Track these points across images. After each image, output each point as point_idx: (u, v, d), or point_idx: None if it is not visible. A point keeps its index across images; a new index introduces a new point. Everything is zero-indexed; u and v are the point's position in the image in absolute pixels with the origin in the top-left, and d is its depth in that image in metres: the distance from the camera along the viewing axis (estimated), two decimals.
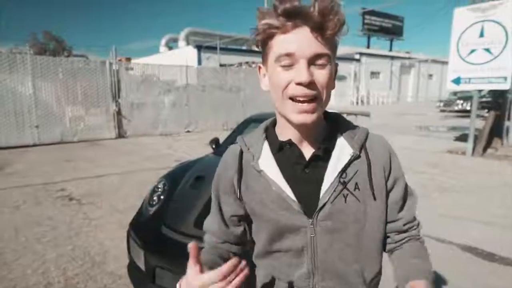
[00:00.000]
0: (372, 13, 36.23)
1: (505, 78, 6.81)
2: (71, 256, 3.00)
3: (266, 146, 0.82)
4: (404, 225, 0.83)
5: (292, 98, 0.69)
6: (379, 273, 0.82)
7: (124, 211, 4.12)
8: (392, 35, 39.50)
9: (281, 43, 0.67)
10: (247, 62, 18.56)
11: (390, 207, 0.81)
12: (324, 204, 0.75)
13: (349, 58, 30.49)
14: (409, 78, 37.47)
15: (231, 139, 3.62)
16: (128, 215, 3.81)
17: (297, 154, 0.77)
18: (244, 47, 27.15)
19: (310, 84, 0.67)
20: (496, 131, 7.96)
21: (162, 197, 2.55)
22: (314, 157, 0.76)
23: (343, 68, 29.51)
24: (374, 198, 0.76)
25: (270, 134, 0.83)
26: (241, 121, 4.00)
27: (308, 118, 0.70)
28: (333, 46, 0.70)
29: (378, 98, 32.31)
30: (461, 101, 18.66)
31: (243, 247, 0.93)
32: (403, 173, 0.83)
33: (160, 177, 2.90)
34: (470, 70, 7.28)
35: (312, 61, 0.67)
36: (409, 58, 37.05)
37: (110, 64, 10.80)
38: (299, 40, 0.66)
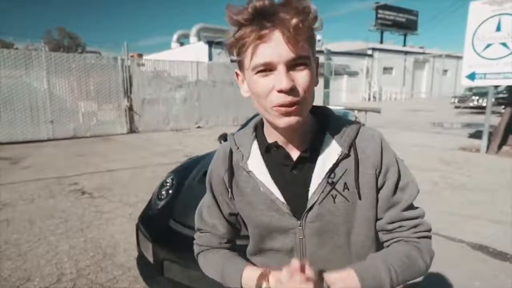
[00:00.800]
0: (386, 7, 35.63)
1: None
2: (83, 248, 3.08)
3: (255, 146, 0.80)
4: (388, 223, 0.76)
5: (274, 106, 0.66)
6: None
7: (135, 205, 4.19)
8: (406, 29, 38.78)
9: (256, 52, 0.63)
10: None
11: (380, 204, 0.76)
12: (312, 206, 0.73)
13: (361, 54, 30.10)
14: (423, 74, 36.76)
15: None
16: (138, 209, 3.88)
17: (284, 156, 0.76)
18: None
19: (292, 90, 0.64)
20: (511, 128, 7.75)
21: (170, 191, 2.59)
22: (300, 158, 0.75)
23: (355, 63, 29.13)
24: (359, 197, 0.74)
25: (259, 133, 0.81)
26: (250, 117, 4.01)
27: (293, 120, 0.67)
28: (310, 43, 0.66)
29: (391, 94, 31.83)
30: (477, 97, 18.22)
31: (234, 243, 0.93)
32: (397, 169, 0.76)
33: (169, 172, 2.94)
34: (486, 65, 7.09)
35: (290, 65, 0.64)
36: (423, 53, 36.29)
37: (122, 60, 10.93)
38: (274, 46, 0.62)
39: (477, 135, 9.21)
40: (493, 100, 8.05)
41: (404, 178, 0.77)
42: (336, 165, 0.74)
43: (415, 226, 0.77)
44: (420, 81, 36.46)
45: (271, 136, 0.77)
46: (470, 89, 19.27)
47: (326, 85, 11.23)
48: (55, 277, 2.60)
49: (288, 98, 0.64)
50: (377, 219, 0.78)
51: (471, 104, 18.53)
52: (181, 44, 32.36)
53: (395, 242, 0.77)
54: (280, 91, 0.64)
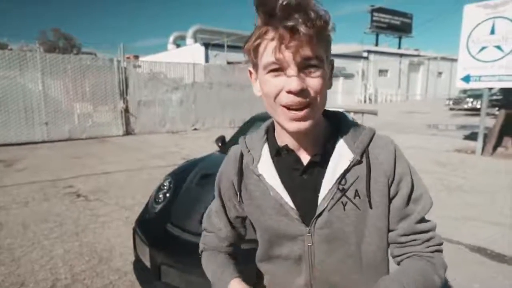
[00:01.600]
0: (381, 10, 35.88)
1: None
2: (78, 252, 3.03)
3: (266, 149, 0.79)
4: (401, 236, 0.74)
5: (284, 106, 0.66)
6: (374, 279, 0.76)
7: (131, 208, 4.15)
8: (401, 32, 39.06)
9: (268, 51, 0.63)
10: None
11: (392, 215, 0.74)
12: (322, 212, 0.71)
13: (357, 56, 30.25)
14: (417, 76, 37.03)
15: (237, 138, 3.61)
16: (134, 212, 3.84)
17: (295, 160, 0.74)
18: None
19: (302, 91, 0.63)
20: (506, 130, 7.81)
21: (168, 195, 2.56)
22: (311, 163, 0.73)
23: (351, 66, 29.27)
24: (371, 206, 0.71)
25: (270, 136, 0.80)
26: (247, 120, 3.99)
27: (302, 125, 0.66)
28: (324, 45, 0.65)
29: (386, 96, 32.01)
30: (471, 99, 18.40)
31: (239, 248, 0.93)
32: (411, 179, 0.74)
33: (166, 175, 2.91)
34: (480, 68, 7.15)
35: (302, 65, 0.63)
36: (418, 55, 36.59)
37: (118, 61, 10.88)
38: (287, 47, 0.61)
39: (472, 137, 9.28)
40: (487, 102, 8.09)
41: (417, 189, 0.75)
42: (347, 171, 0.72)
43: (428, 240, 0.75)
44: (415, 83, 36.72)
45: (282, 139, 0.76)
46: (465, 91, 19.46)
47: None
48: (49, 283, 2.56)
49: (297, 99, 0.64)
50: (389, 230, 0.75)
51: (465, 106, 18.70)
52: (178, 45, 32.31)
53: (408, 257, 0.75)
54: (289, 92, 0.63)
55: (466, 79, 7.42)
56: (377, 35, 37.00)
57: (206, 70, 13.31)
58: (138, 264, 2.29)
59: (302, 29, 0.60)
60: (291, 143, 0.74)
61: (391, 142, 0.77)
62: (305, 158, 0.75)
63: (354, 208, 0.71)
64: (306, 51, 0.62)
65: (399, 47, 39.05)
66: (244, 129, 3.69)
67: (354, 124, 0.78)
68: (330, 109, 0.81)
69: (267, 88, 0.67)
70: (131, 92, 11.21)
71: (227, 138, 3.74)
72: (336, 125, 0.77)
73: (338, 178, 0.72)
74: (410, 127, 12.38)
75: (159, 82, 11.89)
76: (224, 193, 0.86)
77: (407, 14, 39.44)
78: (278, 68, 0.64)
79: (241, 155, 0.82)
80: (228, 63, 17.74)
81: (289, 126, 0.67)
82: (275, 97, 0.66)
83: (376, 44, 36.57)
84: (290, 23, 0.60)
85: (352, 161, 0.72)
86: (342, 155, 0.73)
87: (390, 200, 0.74)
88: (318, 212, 0.72)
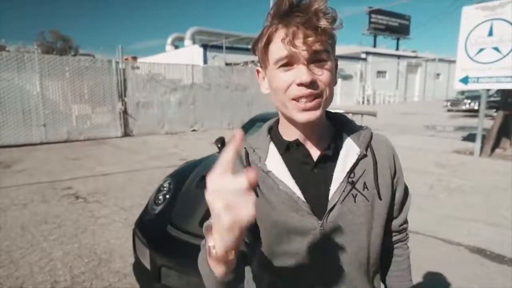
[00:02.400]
0: (379, 12, 35.99)
1: None
2: (78, 254, 3.02)
3: (272, 147, 0.80)
4: (400, 225, 0.87)
5: (294, 99, 0.68)
6: (378, 267, 0.84)
7: (130, 210, 4.14)
8: (399, 34, 39.23)
9: (279, 45, 0.67)
10: (252, 61, 18.55)
11: (396, 206, 0.84)
12: (334, 205, 0.73)
13: (355, 57, 30.33)
14: (415, 78, 37.18)
15: None
16: (133, 214, 3.83)
17: (304, 154, 0.76)
18: (250, 46, 27.02)
19: (312, 83, 0.66)
20: (504, 131, 7.84)
21: (167, 196, 2.55)
22: (322, 157, 0.75)
23: (349, 67, 29.35)
24: (380, 198, 0.76)
25: (274, 134, 0.82)
26: (246, 121, 3.99)
27: (312, 115, 0.69)
28: (331, 42, 0.69)
29: (384, 97, 32.10)
30: (469, 101, 18.50)
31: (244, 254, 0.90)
32: (402, 175, 0.85)
33: (166, 176, 2.90)
34: (479, 69, 7.19)
35: (311, 59, 0.66)
36: (415, 57, 36.74)
37: (117, 63, 10.86)
38: (297, 42, 0.65)
39: (470, 138, 9.31)
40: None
41: (406, 188, 0.87)
42: (355, 164, 0.76)
43: (407, 228, 0.92)
44: (413, 85, 36.85)
45: (289, 135, 0.78)
46: (462, 92, 19.54)
47: None
48: (48, 285, 2.54)
49: (308, 91, 0.67)
50: (390, 219, 0.84)
51: (463, 108, 18.80)
52: (176, 47, 32.32)
53: (396, 243, 0.90)
54: (300, 84, 0.66)
55: (465, 80, 7.45)
56: (375, 37, 37.16)
57: (204, 72, 13.31)
58: (138, 266, 2.28)
59: (313, 24, 0.64)
60: (300, 137, 0.76)
61: (388, 139, 0.85)
62: (314, 152, 0.77)
63: (363, 199, 0.75)
64: (317, 45, 0.65)
65: (397, 49, 39.22)
66: (245, 130, 3.69)
67: (354, 123, 0.85)
68: (331, 111, 0.84)
69: (277, 82, 0.69)
70: (130, 93, 11.19)
71: (227, 140, 3.74)
72: (338, 125, 0.82)
73: (348, 171, 0.75)
74: (409, 128, 12.41)
75: (157, 84, 11.87)
76: None
77: (404, 16, 39.63)
78: (289, 63, 0.67)
79: (247, 155, 0.81)
80: (227, 64, 17.76)
81: (300, 117, 0.69)
82: (286, 91, 0.68)
83: (374, 46, 36.72)
84: (301, 19, 0.64)
85: (359, 155, 0.77)
86: (350, 150, 0.77)
87: (393, 192, 0.81)
88: (330, 205, 0.73)
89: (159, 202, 2.53)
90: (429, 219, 3.73)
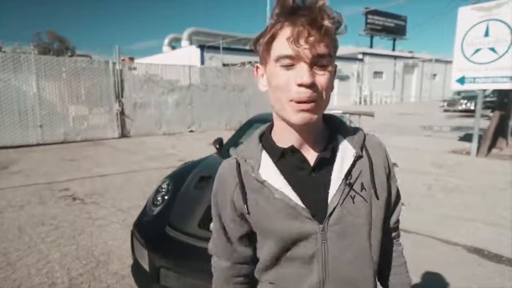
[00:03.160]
0: (375, 12, 36.14)
1: (511, 78, 6.75)
2: (75, 256, 3.00)
3: (264, 155, 0.77)
4: (395, 223, 0.88)
5: (292, 100, 0.67)
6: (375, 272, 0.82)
7: (128, 211, 4.12)
8: (395, 34, 39.40)
9: (283, 44, 0.66)
10: (250, 62, 18.56)
11: (392, 205, 0.85)
12: (334, 208, 0.73)
13: (352, 58, 30.43)
14: (412, 78, 37.35)
15: (234, 139, 3.61)
16: (131, 215, 3.82)
17: (300, 159, 0.75)
18: (247, 47, 27.17)
19: (312, 85, 0.65)
20: (501, 131, 7.90)
21: (166, 197, 2.54)
22: (320, 160, 0.74)
23: (346, 68, 29.45)
24: (377, 197, 0.77)
25: (267, 142, 0.79)
26: (245, 122, 3.99)
27: (308, 117, 0.68)
28: (334, 47, 0.69)
29: (381, 98, 32.22)
30: (465, 101, 18.60)
31: (253, 266, 0.87)
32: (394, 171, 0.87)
33: (164, 177, 2.89)
34: (475, 70, 7.23)
35: (314, 61, 0.66)
36: (412, 57, 36.91)
37: (114, 64, 10.82)
38: (301, 42, 0.64)
39: (466, 138, 9.36)
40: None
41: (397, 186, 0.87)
42: (352, 166, 0.76)
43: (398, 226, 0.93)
44: (409, 85, 37.02)
45: (283, 141, 0.76)
46: (459, 93, 19.65)
47: None
48: (46, 287, 2.52)
49: (307, 93, 0.66)
50: (386, 218, 0.84)
51: (459, 108, 18.90)
52: (173, 48, 32.28)
53: (395, 240, 0.91)
54: (300, 85, 0.65)
55: (461, 80, 7.50)
56: (371, 37, 37.29)
57: (202, 72, 13.29)
58: (136, 267, 2.27)
59: (318, 24, 0.64)
60: (295, 141, 0.74)
61: (379, 139, 0.86)
62: (310, 156, 0.75)
63: (362, 200, 0.75)
64: (320, 48, 0.65)
65: (394, 49, 39.38)
66: (243, 131, 3.69)
67: (346, 124, 0.85)
68: (325, 113, 0.81)
69: (277, 80, 0.68)
70: (127, 94, 11.15)
71: (225, 141, 3.73)
72: (333, 126, 0.81)
73: (346, 174, 0.75)
74: (405, 129, 12.46)
75: (154, 84, 11.84)
76: (223, 211, 0.83)
77: (401, 16, 39.80)
78: (291, 62, 0.66)
79: (238, 166, 0.79)
80: (224, 65, 17.75)
81: (295, 118, 0.68)
82: (284, 90, 0.67)
83: (371, 46, 36.84)
84: (307, 19, 0.64)
85: (355, 156, 0.77)
86: (345, 152, 0.77)
87: (389, 190, 0.82)
88: (330, 208, 0.73)
89: (158, 203, 2.53)
90: (427, 219, 3.74)
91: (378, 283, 0.86)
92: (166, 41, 33.56)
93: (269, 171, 0.76)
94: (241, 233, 0.83)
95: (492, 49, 6.94)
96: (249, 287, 0.90)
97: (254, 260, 0.87)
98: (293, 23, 0.65)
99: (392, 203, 0.85)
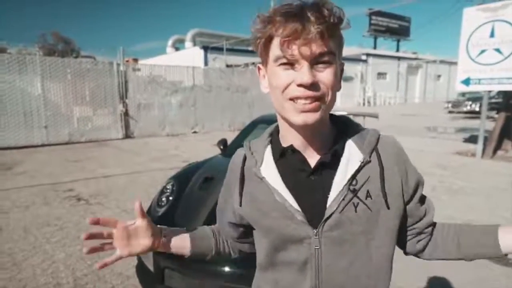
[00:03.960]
0: (379, 13, 36.10)
1: None
2: (80, 257, 3.00)
3: (268, 151, 0.77)
4: (425, 227, 0.82)
5: (292, 99, 0.65)
6: (385, 282, 0.76)
7: (132, 212, 4.11)
8: (399, 35, 39.31)
9: (282, 44, 0.63)
10: (253, 63, 18.58)
11: (415, 208, 0.78)
12: (332, 214, 0.69)
13: (355, 59, 30.37)
14: (416, 79, 37.20)
15: (238, 140, 3.61)
16: (135, 216, 3.82)
17: (300, 161, 0.73)
18: (250, 48, 27.03)
19: (313, 85, 0.63)
20: (506, 133, 7.83)
21: (170, 198, 2.55)
22: (320, 163, 0.71)
23: (350, 69, 29.39)
24: (388, 207, 0.71)
25: (274, 139, 0.79)
26: (249, 122, 3.99)
27: (310, 117, 0.65)
28: (337, 43, 0.66)
29: (385, 99, 32.12)
30: (470, 102, 18.48)
31: (238, 251, 0.93)
32: (420, 175, 0.79)
33: (169, 178, 2.89)
34: (480, 71, 7.18)
35: (314, 61, 0.63)
36: (416, 58, 36.78)
37: (118, 65, 10.88)
38: (301, 41, 0.61)
39: (471, 139, 9.30)
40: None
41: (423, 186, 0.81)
42: (358, 171, 0.71)
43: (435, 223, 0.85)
44: (413, 86, 36.87)
45: (287, 140, 0.74)
46: (463, 94, 19.53)
47: None
48: (51, 287, 2.53)
49: (307, 92, 0.63)
50: (413, 223, 0.80)
51: (464, 109, 18.78)
52: (177, 49, 32.40)
53: (434, 230, 0.84)
54: (300, 85, 0.63)
55: (466, 82, 7.45)
56: (375, 38, 37.22)
57: (205, 73, 13.33)
58: (141, 268, 2.27)
59: (314, 25, 0.60)
60: (298, 142, 0.72)
61: (397, 142, 0.79)
62: (311, 158, 0.73)
63: (365, 209, 0.70)
64: (318, 47, 0.62)
65: (397, 50, 39.26)
66: (247, 132, 3.69)
67: (359, 126, 0.79)
68: (335, 113, 0.80)
69: (276, 80, 0.66)
70: (131, 95, 11.20)
71: (229, 141, 3.73)
72: (341, 128, 0.77)
73: (349, 179, 0.70)
74: (409, 130, 12.40)
75: (158, 86, 11.89)
76: (226, 196, 0.87)
77: (405, 17, 39.71)
78: (290, 62, 0.64)
79: (244, 159, 0.81)
80: (227, 66, 17.79)
81: (296, 119, 0.66)
82: (284, 90, 0.65)
83: (375, 47, 36.77)
84: (302, 19, 0.61)
85: (362, 162, 0.71)
86: (352, 156, 0.72)
87: (404, 201, 0.75)
88: (327, 214, 0.70)
89: (162, 204, 2.53)
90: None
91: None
92: (170, 42, 33.71)
93: (269, 169, 0.76)
94: (234, 223, 0.85)
95: (498, 50, 6.89)
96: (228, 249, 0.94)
97: (243, 248, 0.92)
98: (290, 21, 0.62)
99: (416, 210, 0.78)
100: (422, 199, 0.80)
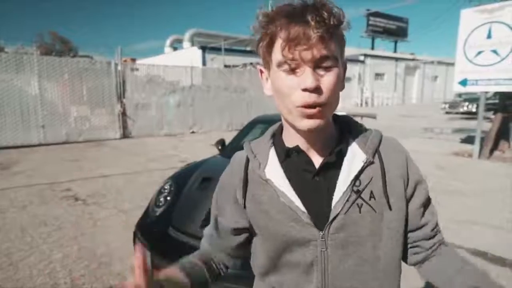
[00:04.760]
0: (377, 14, 36.20)
1: None
2: (77, 257, 3.00)
3: (272, 153, 0.77)
4: (432, 230, 0.77)
5: (298, 105, 0.64)
6: (395, 285, 0.76)
7: (130, 212, 4.11)
8: (397, 36, 39.43)
9: (284, 48, 0.62)
10: (251, 63, 18.57)
11: (414, 214, 0.75)
12: (337, 215, 0.69)
13: (353, 60, 30.44)
14: (413, 80, 37.32)
15: (237, 141, 3.61)
16: (133, 216, 3.81)
17: (306, 161, 0.72)
18: (248, 48, 27.17)
19: (316, 89, 0.62)
20: (503, 134, 7.87)
21: (168, 198, 2.54)
22: (325, 164, 0.71)
23: (348, 69, 29.07)
24: (390, 208, 0.70)
25: (277, 140, 0.78)
26: (247, 123, 3.99)
27: (316, 123, 0.65)
28: (338, 44, 0.65)
29: (383, 99, 32.21)
30: (467, 103, 18.56)
31: (236, 259, 0.88)
32: (422, 177, 0.77)
33: (167, 178, 2.89)
34: (477, 72, 7.22)
35: (317, 64, 0.62)
36: (413, 59, 36.91)
37: (116, 64, 10.85)
38: (302, 44, 0.61)
39: (468, 140, 9.34)
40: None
41: (427, 193, 0.78)
42: (361, 172, 0.71)
43: (441, 243, 0.79)
44: (411, 87, 36.98)
45: (291, 141, 0.74)
46: (460, 95, 19.63)
47: None
48: (48, 287, 2.52)
49: (312, 98, 0.63)
50: (412, 229, 0.77)
51: (461, 110, 18.87)
52: (175, 49, 32.35)
53: (436, 248, 0.78)
54: (304, 90, 0.63)
55: (463, 83, 7.48)
56: (373, 39, 37.31)
57: (203, 73, 13.31)
58: None
59: (315, 29, 0.60)
60: (302, 143, 0.72)
61: (399, 143, 0.78)
62: (316, 159, 0.72)
63: (369, 210, 0.70)
64: (319, 51, 0.61)
65: (395, 51, 39.38)
66: (245, 132, 3.69)
67: (361, 127, 0.79)
68: (338, 113, 0.80)
69: (280, 85, 0.66)
70: (129, 95, 11.17)
71: (227, 142, 3.73)
72: (344, 128, 0.77)
73: (352, 180, 0.70)
74: (407, 131, 12.44)
75: (156, 85, 11.86)
76: (223, 200, 0.83)
77: (402, 18, 39.84)
78: (292, 66, 0.63)
79: (247, 161, 0.79)
80: (226, 66, 17.77)
81: (302, 124, 0.66)
82: (289, 95, 0.65)
83: (372, 48, 36.86)
84: (302, 23, 0.60)
85: (365, 162, 0.71)
86: (355, 156, 0.72)
87: (407, 200, 0.74)
88: (332, 215, 0.69)
89: (160, 204, 2.53)
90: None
91: None
92: (168, 42, 33.67)
93: (274, 170, 0.75)
94: (237, 228, 0.80)
95: (495, 51, 6.92)
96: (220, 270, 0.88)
97: (239, 255, 0.86)
98: (291, 25, 0.61)
99: (417, 211, 0.75)
100: (425, 206, 0.77)
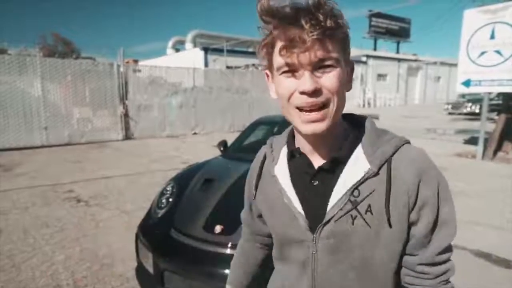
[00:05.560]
0: (379, 15, 36.09)
1: None
2: (80, 258, 3.00)
3: (284, 151, 0.80)
4: (418, 265, 0.70)
5: (298, 108, 0.64)
6: None
7: (132, 213, 4.11)
8: (399, 37, 39.29)
9: (281, 51, 0.62)
10: (253, 64, 18.58)
11: (411, 241, 0.69)
12: (329, 221, 0.68)
13: (356, 61, 30.38)
14: (416, 81, 37.18)
15: (239, 142, 3.60)
16: (135, 217, 3.81)
17: (307, 163, 0.73)
18: (250, 49, 27.21)
19: (316, 92, 0.61)
20: (506, 134, 7.82)
21: (170, 199, 2.54)
22: (319, 169, 0.71)
23: None
24: (390, 225, 0.65)
25: (290, 139, 0.80)
26: (250, 124, 3.98)
27: (317, 127, 0.64)
28: (338, 45, 0.63)
29: (385, 100, 32.10)
30: (470, 104, 18.47)
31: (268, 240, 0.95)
32: (437, 204, 0.68)
33: (169, 180, 2.88)
34: (481, 73, 7.18)
35: (315, 66, 0.62)
36: (416, 60, 36.80)
37: (118, 66, 10.87)
38: (299, 47, 0.60)
39: (472, 141, 9.29)
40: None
41: (443, 215, 0.69)
42: (361, 182, 0.67)
43: (443, 273, 0.73)
44: (413, 88, 36.85)
45: (298, 142, 0.76)
46: (463, 95, 19.54)
47: None
48: None
49: (310, 100, 0.62)
50: (404, 254, 0.71)
51: (464, 111, 18.77)
52: (177, 50, 32.42)
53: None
54: (302, 93, 0.63)
55: (467, 83, 7.44)
56: (375, 40, 37.20)
57: (205, 75, 13.32)
58: (140, 270, 2.27)
59: (309, 33, 0.59)
60: (305, 146, 0.73)
61: (421, 156, 0.69)
62: (317, 162, 0.72)
63: (364, 224, 0.66)
64: (316, 53, 0.61)
65: (398, 52, 39.27)
66: (247, 133, 3.68)
67: (381, 132, 0.73)
68: (357, 114, 0.78)
69: (281, 89, 0.66)
70: (131, 96, 11.19)
71: (229, 143, 3.72)
72: (358, 131, 0.73)
73: (349, 189, 0.67)
74: (410, 132, 12.38)
75: (158, 87, 11.88)
76: (248, 188, 0.91)
77: (405, 19, 39.70)
78: (291, 69, 0.63)
79: (264, 155, 0.85)
80: (228, 67, 17.78)
81: (303, 129, 0.66)
82: (289, 98, 0.65)
83: (375, 49, 36.76)
84: (298, 27, 0.60)
85: (367, 172, 0.67)
86: (357, 164, 0.68)
87: (409, 224, 0.68)
88: (325, 220, 0.69)
89: (162, 205, 2.52)
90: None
91: None
92: (170, 43, 33.73)
93: (281, 168, 0.78)
94: (258, 213, 0.89)
95: (498, 52, 6.88)
96: (266, 251, 0.97)
97: (269, 236, 0.92)
98: (287, 28, 0.61)
99: (414, 239, 0.68)
100: (427, 237, 0.69)
